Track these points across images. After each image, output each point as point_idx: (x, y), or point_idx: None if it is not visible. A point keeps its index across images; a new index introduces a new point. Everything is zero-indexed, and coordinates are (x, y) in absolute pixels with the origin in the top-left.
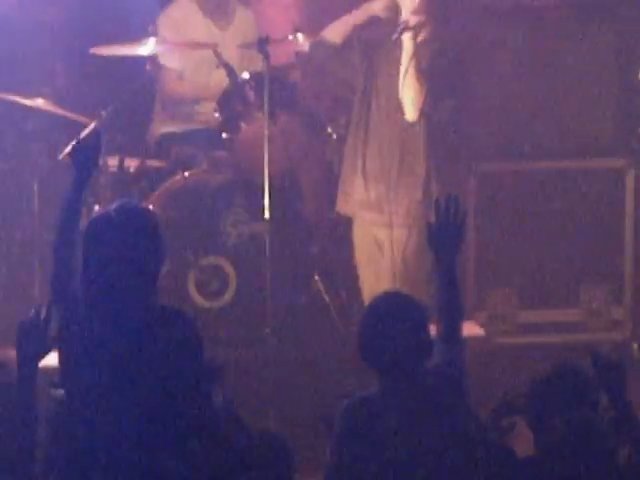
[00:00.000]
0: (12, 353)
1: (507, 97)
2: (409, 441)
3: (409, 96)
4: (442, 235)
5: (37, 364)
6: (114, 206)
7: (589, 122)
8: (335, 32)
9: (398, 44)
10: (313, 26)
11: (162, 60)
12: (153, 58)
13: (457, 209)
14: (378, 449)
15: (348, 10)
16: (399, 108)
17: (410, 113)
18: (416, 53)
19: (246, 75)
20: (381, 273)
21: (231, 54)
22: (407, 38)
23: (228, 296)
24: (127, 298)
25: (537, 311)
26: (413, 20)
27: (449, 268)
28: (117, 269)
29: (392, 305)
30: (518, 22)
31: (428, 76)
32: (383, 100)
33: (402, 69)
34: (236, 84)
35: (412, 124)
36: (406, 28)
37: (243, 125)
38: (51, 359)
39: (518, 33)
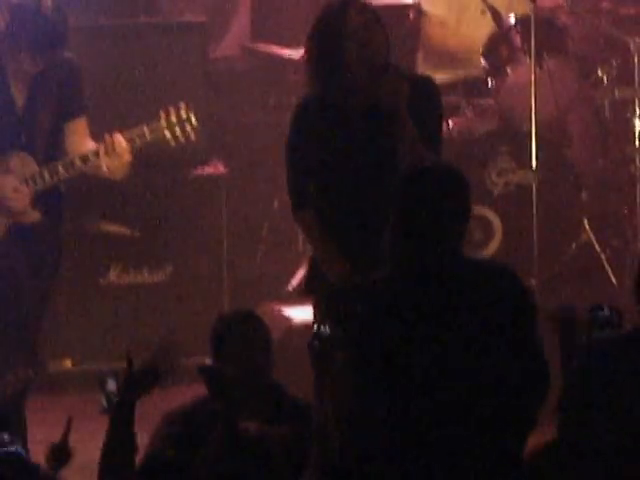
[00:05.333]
0: None
1: None
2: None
3: None
4: None
5: None
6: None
7: None
8: None
9: None
10: None
11: (425, 5)
12: (416, 6)
13: None
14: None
15: None
16: None
17: None
18: None
19: (512, 19)
20: None
21: None
22: None
23: (493, 246)
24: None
25: None
26: None
27: None
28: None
29: None
30: None
31: None
32: None
33: None
34: (502, 28)
35: None
36: None
37: (509, 71)
38: None
39: None
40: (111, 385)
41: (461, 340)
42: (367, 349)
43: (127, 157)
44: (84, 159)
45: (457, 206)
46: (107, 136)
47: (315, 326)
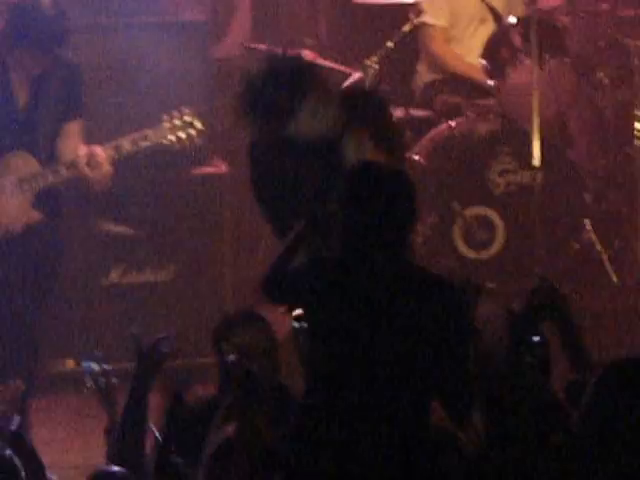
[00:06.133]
0: None
1: None
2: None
3: None
4: None
5: None
6: (372, 165)
7: None
8: None
9: None
10: None
11: (428, 18)
12: (416, 6)
13: None
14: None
15: None
16: None
17: None
18: None
19: (513, 19)
20: None
21: None
22: None
23: (496, 247)
24: (382, 258)
25: None
26: None
27: None
28: (379, 227)
29: None
30: None
31: None
32: None
33: None
34: (502, 29)
35: None
36: None
37: (510, 71)
38: None
39: None
40: (94, 367)
41: (385, 331)
42: (316, 327)
43: (107, 169)
44: (67, 166)
45: (397, 205)
46: (85, 148)
47: (294, 322)
